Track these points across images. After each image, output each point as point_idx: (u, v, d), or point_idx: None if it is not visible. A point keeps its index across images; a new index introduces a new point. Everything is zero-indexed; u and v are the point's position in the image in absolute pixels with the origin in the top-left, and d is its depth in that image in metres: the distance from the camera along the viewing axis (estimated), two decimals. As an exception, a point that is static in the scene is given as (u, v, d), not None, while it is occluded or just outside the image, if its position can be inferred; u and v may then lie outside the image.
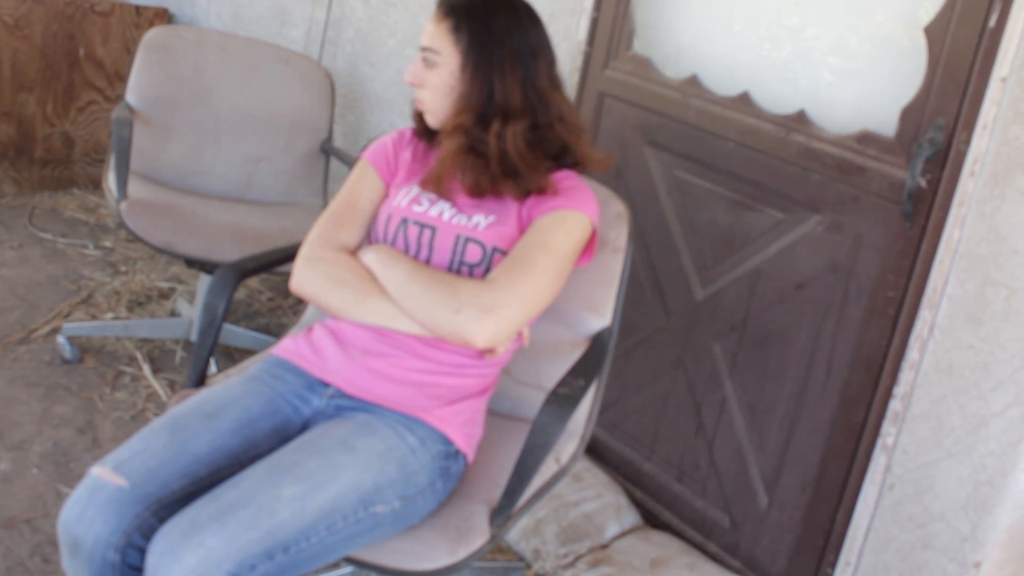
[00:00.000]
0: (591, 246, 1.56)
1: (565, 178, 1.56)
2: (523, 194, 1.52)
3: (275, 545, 1.22)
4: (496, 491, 1.49)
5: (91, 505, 1.27)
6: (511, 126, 1.50)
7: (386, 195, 1.61)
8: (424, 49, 1.53)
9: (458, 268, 1.49)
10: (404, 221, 1.52)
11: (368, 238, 1.59)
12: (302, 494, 1.27)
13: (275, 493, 1.26)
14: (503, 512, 1.44)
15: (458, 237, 1.49)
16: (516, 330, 1.43)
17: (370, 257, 1.48)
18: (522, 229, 1.51)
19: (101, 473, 1.29)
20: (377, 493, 1.34)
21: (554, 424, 1.40)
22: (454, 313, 1.38)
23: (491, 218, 1.51)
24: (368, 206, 1.59)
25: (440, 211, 1.52)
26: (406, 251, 1.52)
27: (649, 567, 2.04)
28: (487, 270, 1.48)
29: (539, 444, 1.40)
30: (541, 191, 1.51)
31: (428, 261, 1.50)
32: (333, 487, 1.30)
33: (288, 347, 1.56)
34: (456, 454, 1.48)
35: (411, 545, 1.40)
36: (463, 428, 1.49)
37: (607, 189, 1.77)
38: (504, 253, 1.48)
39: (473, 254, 1.48)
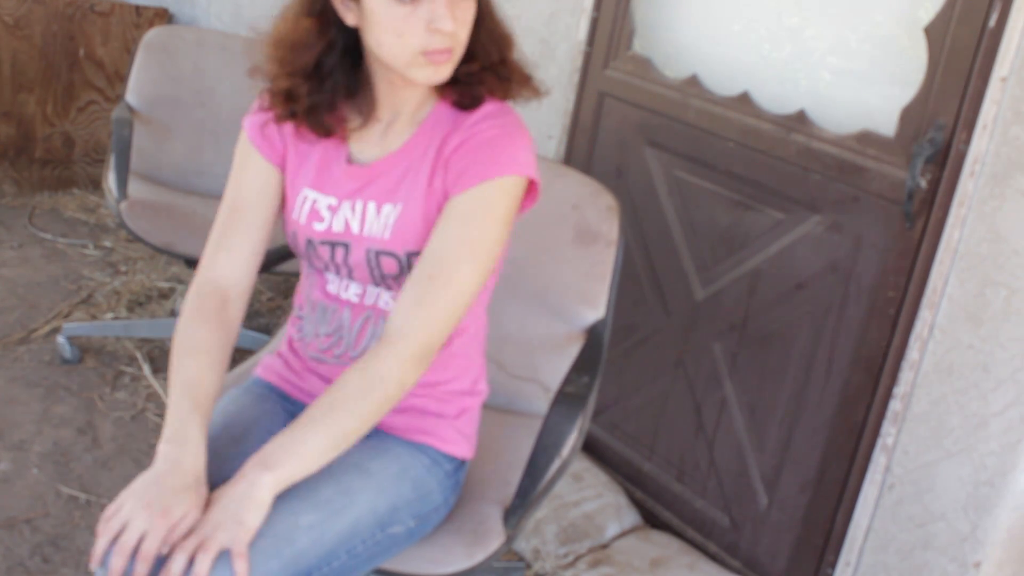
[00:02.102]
0: (529, 197, 1.36)
1: (494, 114, 1.33)
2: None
3: (297, 573, 1.20)
4: (507, 490, 1.49)
5: None
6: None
7: (283, 179, 1.41)
8: None
9: (379, 282, 1.38)
10: (310, 243, 1.40)
11: (291, 245, 1.46)
12: (320, 521, 1.24)
13: (293, 521, 1.22)
14: (517, 512, 1.44)
15: (368, 252, 1.35)
16: (446, 334, 1.30)
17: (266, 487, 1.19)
18: (437, 206, 1.32)
19: None
20: (394, 515, 1.32)
21: (564, 424, 1.43)
22: (382, 386, 1.24)
23: (398, 207, 1.34)
24: (260, 201, 1.40)
25: (344, 219, 1.36)
26: (324, 270, 1.40)
27: (649, 567, 2.04)
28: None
29: (550, 444, 1.42)
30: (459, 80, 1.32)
31: (350, 278, 1.39)
32: (351, 512, 1.28)
33: (274, 369, 1.51)
34: (463, 464, 1.47)
35: (428, 551, 1.39)
36: (467, 439, 1.47)
37: (596, 182, 1.73)
38: (418, 253, 1.33)
39: (389, 267, 1.35)
